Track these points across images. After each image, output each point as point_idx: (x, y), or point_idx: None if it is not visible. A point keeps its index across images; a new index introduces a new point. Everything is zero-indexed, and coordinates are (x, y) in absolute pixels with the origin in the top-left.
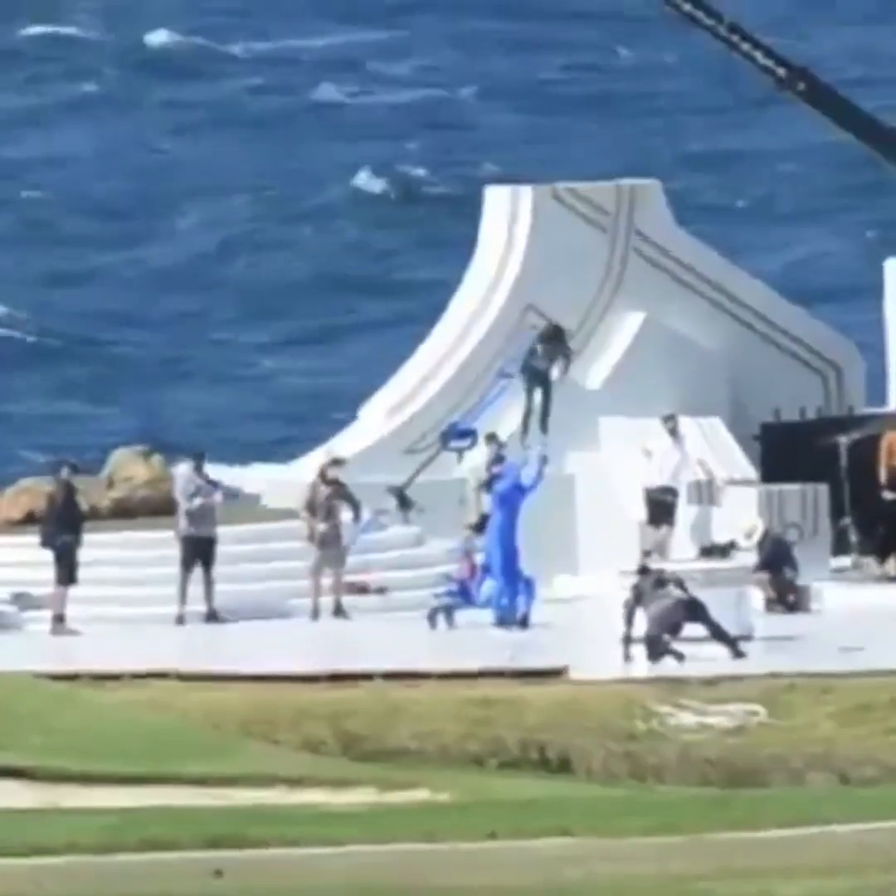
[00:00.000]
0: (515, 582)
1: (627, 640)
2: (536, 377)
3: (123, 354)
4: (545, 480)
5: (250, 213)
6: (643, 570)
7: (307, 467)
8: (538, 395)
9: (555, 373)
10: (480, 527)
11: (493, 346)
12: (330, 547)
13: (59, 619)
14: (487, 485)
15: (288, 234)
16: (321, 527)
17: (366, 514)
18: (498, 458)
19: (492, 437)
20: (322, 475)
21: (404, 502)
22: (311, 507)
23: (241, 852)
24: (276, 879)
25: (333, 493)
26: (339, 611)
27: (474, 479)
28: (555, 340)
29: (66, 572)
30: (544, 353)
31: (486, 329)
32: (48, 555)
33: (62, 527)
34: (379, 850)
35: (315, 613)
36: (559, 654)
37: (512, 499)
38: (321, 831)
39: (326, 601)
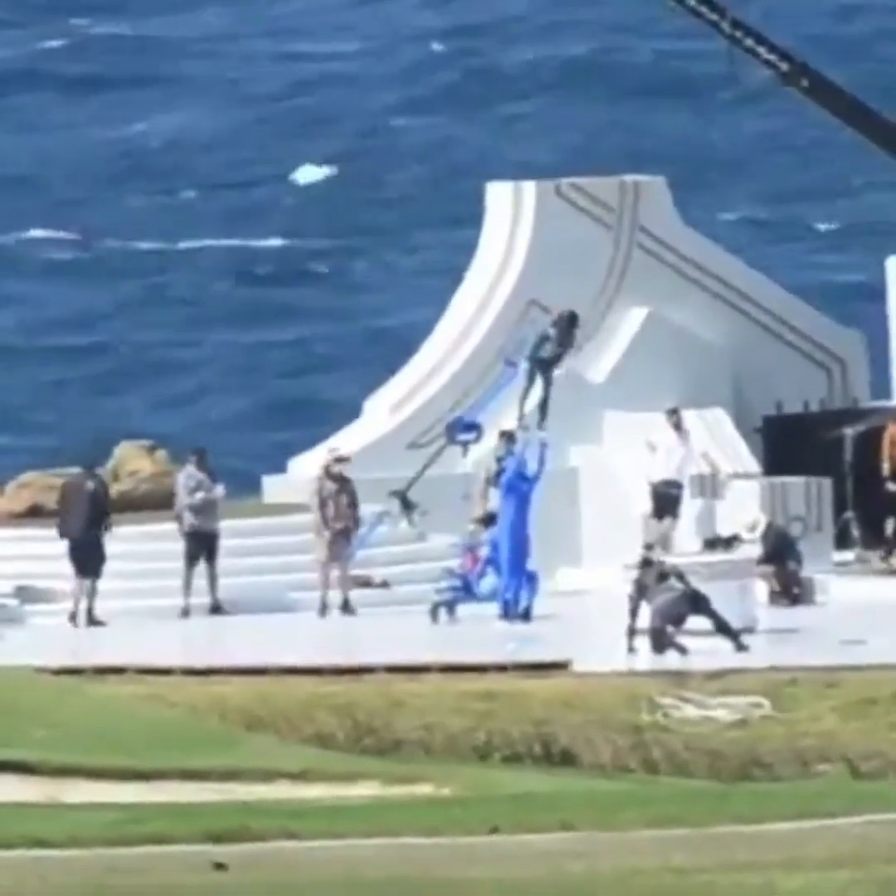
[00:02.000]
0: (521, 575)
1: (631, 632)
2: (540, 364)
3: None
4: (549, 470)
5: None
6: (645, 563)
7: (309, 464)
8: (539, 382)
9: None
10: (487, 521)
11: (497, 341)
12: (339, 541)
13: (73, 615)
14: (497, 479)
15: None
16: (334, 522)
17: (364, 515)
18: (510, 453)
19: (505, 434)
20: (326, 470)
21: (407, 505)
22: (321, 501)
23: (244, 846)
24: (278, 873)
25: (340, 489)
26: (346, 606)
27: (484, 473)
28: (568, 329)
29: (86, 566)
30: (555, 341)
31: (490, 324)
32: (49, 548)
33: (93, 520)
34: (382, 843)
35: (323, 609)
36: (562, 647)
37: (517, 489)
38: (324, 825)
39: (334, 596)
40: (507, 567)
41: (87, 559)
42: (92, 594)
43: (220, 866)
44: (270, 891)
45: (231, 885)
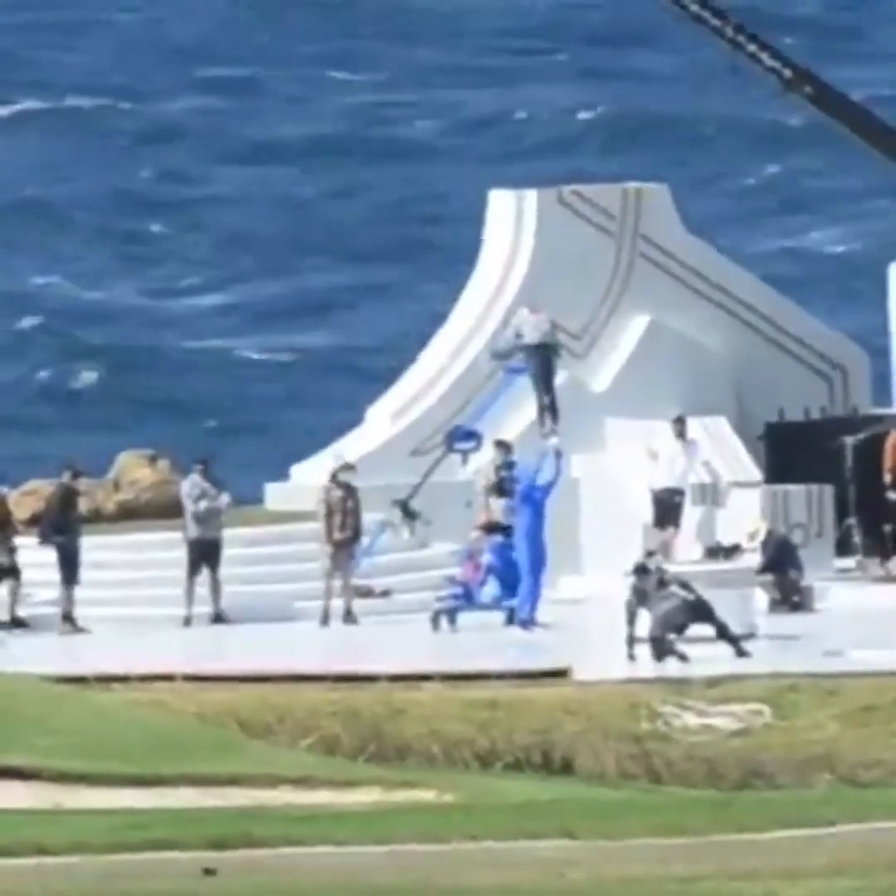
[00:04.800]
0: (538, 583)
1: (631, 640)
2: (540, 363)
3: None
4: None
5: None
6: (641, 570)
7: (312, 471)
8: (543, 382)
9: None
10: (489, 530)
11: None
12: (345, 550)
13: (65, 618)
14: (497, 488)
15: None
16: (339, 531)
17: (367, 524)
18: (507, 463)
19: (500, 444)
20: (333, 478)
21: (409, 514)
22: (328, 509)
23: (246, 852)
24: (280, 879)
25: (346, 497)
26: (349, 616)
27: (483, 481)
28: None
29: (69, 572)
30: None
31: (492, 332)
32: (53, 556)
33: (61, 528)
34: (383, 850)
35: (325, 618)
36: (563, 655)
37: (532, 498)
38: (325, 832)
39: (336, 605)
40: (526, 575)
41: (60, 566)
42: (68, 600)
43: (208, 872)
44: None
45: (232, 890)
